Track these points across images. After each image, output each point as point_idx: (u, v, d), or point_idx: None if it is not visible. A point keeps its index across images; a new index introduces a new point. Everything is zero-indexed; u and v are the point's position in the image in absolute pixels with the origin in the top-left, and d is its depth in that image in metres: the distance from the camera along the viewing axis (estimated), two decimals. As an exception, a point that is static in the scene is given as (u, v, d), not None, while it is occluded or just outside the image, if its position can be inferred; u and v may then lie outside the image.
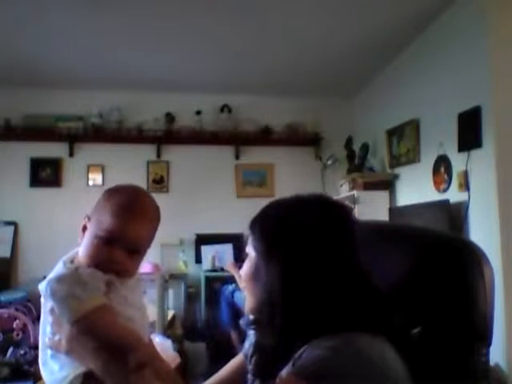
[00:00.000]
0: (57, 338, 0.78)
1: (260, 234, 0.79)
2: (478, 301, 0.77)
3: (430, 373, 0.73)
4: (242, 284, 0.85)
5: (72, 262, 0.83)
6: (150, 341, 0.89)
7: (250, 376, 0.82)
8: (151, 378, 0.74)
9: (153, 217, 0.86)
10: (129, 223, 0.80)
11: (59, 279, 0.77)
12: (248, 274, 0.82)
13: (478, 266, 0.79)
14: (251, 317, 0.84)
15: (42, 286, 0.78)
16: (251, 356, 0.82)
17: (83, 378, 0.75)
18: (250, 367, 0.83)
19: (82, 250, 0.82)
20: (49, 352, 0.79)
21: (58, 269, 0.80)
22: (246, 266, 0.83)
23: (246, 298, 0.83)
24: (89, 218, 0.84)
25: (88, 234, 0.82)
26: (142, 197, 0.86)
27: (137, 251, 0.83)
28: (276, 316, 0.73)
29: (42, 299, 0.81)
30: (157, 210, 0.87)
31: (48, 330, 0.80)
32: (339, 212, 0.79)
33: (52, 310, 0.79)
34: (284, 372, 0.69)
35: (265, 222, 0.81)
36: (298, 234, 0.75)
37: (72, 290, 0.75)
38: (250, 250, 0.82)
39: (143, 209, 0.84)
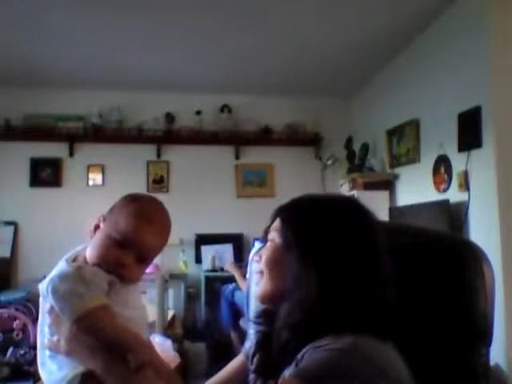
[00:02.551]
0: (55, 338, 0.77)
1: (292, 225, 0.79)
2: (478, 301, 0.77)
3: (430, 373, 0.73)
4: (262, 268, 0.83)
5: (74, 260, 0.83)
6: (149, 341, 0.89)
7: (251, 375, 0.82)
8: (152, 378, 0.74)
9: (167, 231, 0.88)
10: (145, 231, 0.82)
11: (62, 277, 0.77)
12: (271, 261, 0.81)
13: (479, 266, 0.79)
14: (262, 306, 0.84)
15: (43, 285, 0.78)
16: (253, 354, 0.82)
17: (82, 378, 0.75)
18: (252, 366, 0.82)
19: (90, 248, 0.82)
20: (47, 353, 0.79)
21: (61, 267, 0.80)
22: (270, 252, 0.81)
23: (262, 283, 0.82)
24: (104, 219, 0.85)
25: (100, 234, 0.83)
26: (161, 209, 0.89)
27: (145, 260, 0.84)
28: (296, 310, 0.73)
29: (41, 299, 0.81)
30: (170, 224, 0.89)
31: (46, 331, 0.79)
32: (369, 217, 0.80)
33: (51, 310, 0.78)
34: (287, 373, 0.69)
35: (299, 213, 0.81)
36: (332, 233, 0.76)
37: (75, 288, 0.75)
38: (275, 236, 0.82)
39: (161, 221, 0.87)
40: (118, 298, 0.80)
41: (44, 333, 0.80)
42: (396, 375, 0.65)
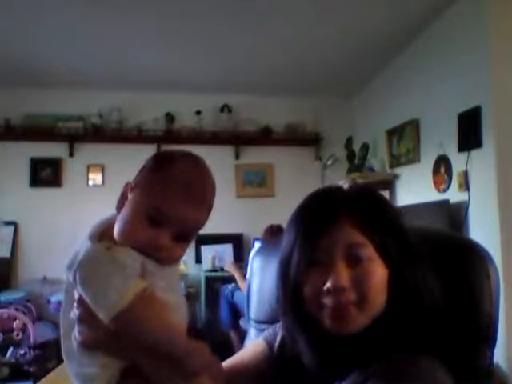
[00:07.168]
0: (88, 333, 0.63)
1: (402, 234, 0.74)
2: (483, 302, 0.77)
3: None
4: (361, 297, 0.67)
5: (100, 238, 0.66)
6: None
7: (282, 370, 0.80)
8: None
9: (211, 199, 0.70)
10: (186, 203, 0.65)
11: (91, 263, 0.62)
12: (380, 285, 0.68)
13: (484, 267, 0.78)
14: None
15: (70, 271, 0.64)
16: (281, 345, 0.81)
17: (121, 376, 0.63)
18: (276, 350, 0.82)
19: (118, 225, 0.66)
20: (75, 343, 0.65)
21: (86, 248, 0.64)
22: (378, 275, 0.67)
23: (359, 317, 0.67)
24: (132, 186, 0.69)
25: (129, 207, 0.66)
26: (202, 169, 0.70)
27: (186, 237, 0.67)
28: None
29: (67, 285, 0.67)
30: (214, 187, 0.71)
31: (76, 323, 0.64)
32: None
33: (81, 301, 0.63)
34: None
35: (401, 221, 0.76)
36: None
37: (107, 278, 0.60)
38: (371, 253, 0.67)
39: (204, 187, 0.69)
40: (157, 281, 0.65)
41: (69, 322, 0.66)
42: None
